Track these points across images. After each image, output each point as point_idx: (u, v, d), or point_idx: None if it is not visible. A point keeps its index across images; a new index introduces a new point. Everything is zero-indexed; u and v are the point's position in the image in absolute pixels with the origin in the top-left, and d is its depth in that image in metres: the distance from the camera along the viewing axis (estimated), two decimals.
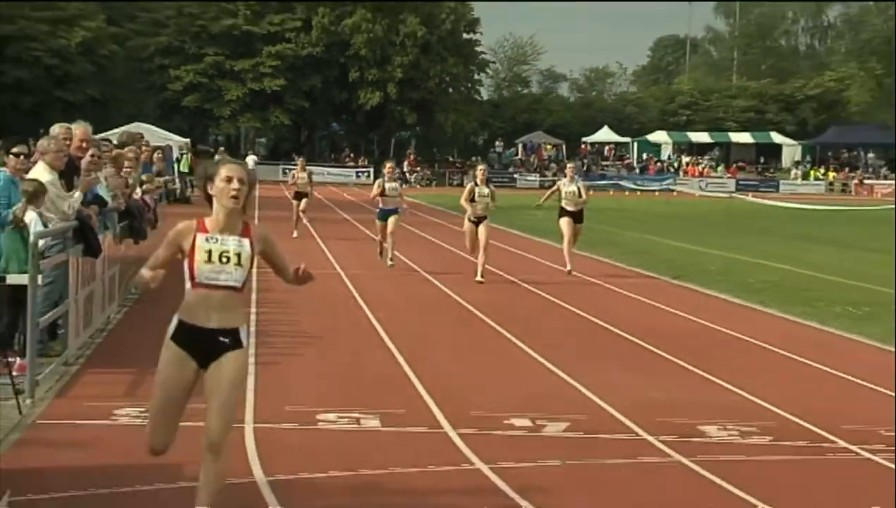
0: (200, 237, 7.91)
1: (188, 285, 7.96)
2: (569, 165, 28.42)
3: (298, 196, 36.55)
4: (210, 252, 7.85)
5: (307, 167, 38.63)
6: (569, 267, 25.98)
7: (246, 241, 8.01)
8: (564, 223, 26.24)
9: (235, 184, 7.85)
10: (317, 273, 24.32)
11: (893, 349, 14.93)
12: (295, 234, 34.68)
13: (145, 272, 7.99)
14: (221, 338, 7.95)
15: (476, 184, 24.81)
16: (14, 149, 14.79)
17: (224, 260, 7.87)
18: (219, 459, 8.07)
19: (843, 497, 9.80)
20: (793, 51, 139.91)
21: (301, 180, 37.18)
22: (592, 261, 30.29)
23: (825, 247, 38.31)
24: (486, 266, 24.51)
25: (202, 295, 7.90)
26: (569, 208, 26.28)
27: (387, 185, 27.55)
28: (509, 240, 37.44)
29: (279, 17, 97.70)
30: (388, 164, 29.14)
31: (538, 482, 9.78)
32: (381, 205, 27.37)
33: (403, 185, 33.25)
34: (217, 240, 7.90)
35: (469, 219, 24.74)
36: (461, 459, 10.73)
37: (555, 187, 27.50)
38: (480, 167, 27.18)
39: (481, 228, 24.35)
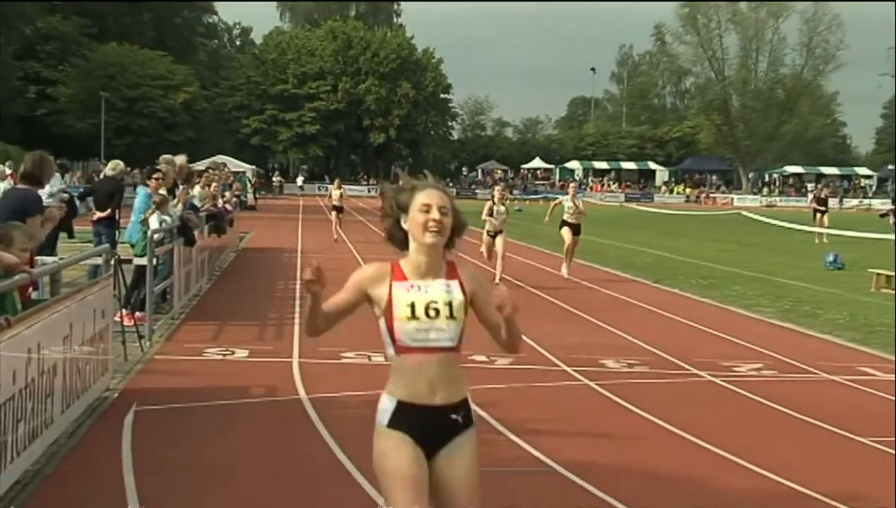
0: (398, 286, 4.44)
1: (390, 350, 4.54)
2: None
3: (336, 209, 33.18)
4: (413, 305, 4.39)
5: (342, 186, 35.64)
6: (565, 273, 22.26)
7: (455, 284, 4.48)
8: (566, 232, 22.52)
9: (435, 214, 4.33)
10: (338, 257, 23.99)
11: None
12: (336, 236, 31.99)
13: (309, 321, 4.74)
14: (453, 416, 4.50)
15: (494, 203, 21.24)
16: (154, 175, 15.01)
17: (432, 313, 4.39)
18: None
19: (693, 406, 9.85)
20: (662, 107, 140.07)
21: (338, 196, 33.88)
22: (529, 250, 30.25)
23: (683, 238, 38.38)
24: (502, 271, 20.97)
25: (415, 364, 4.43)
26: (570, 221, 22.58)
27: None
28: (469, 233, 37.39)
29: (316, 83, 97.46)
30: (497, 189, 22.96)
31: (492, 399, 9.77)
32: None
33: None
34: (420, 287, 4.41)
35: (488, 233, 21.48)
36: None
37: (557, 201, 23.86)
38: (498, 187, 23.34)
39: (498, 240, 21.14)
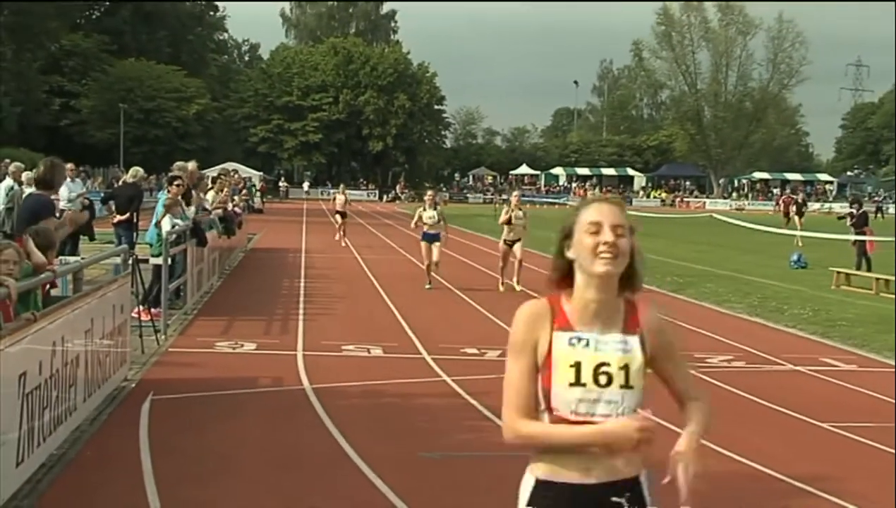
0: (560, 337, 3.01)
1: (545, 418, 3.03)
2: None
3: (340, 214, 31.72)
4: (578, 366, 2.97)
5: (346, 192, 33.66)
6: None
7: (635, 340, 3.05)
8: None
9: (608, 236, 2.94)
10: (339, 257, 23.68)
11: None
12: (338, 238, 30.80)
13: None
14: (614, 500, 3.04)
15: (511, 209, 18.89)
16: (176, 182, 15.00)
17: (602, 379, 2.99)
18: None
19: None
20: (640, 117, 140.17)
21: (342, 202, 32.15)
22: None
23: (660, 239, 38.36)
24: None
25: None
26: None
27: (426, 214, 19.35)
28: (465, 236, 37.38)
29: (318, 95, 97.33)
30: (430, 193, 20.47)
31: (482, 388, 9.77)
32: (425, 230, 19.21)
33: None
34: (588, 342, 2.99)
35: (505, 242, 18.97)
36: (433, 374, 10.74)
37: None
38: (515, 193, 20.78)
39: (517, 247, 18.76)
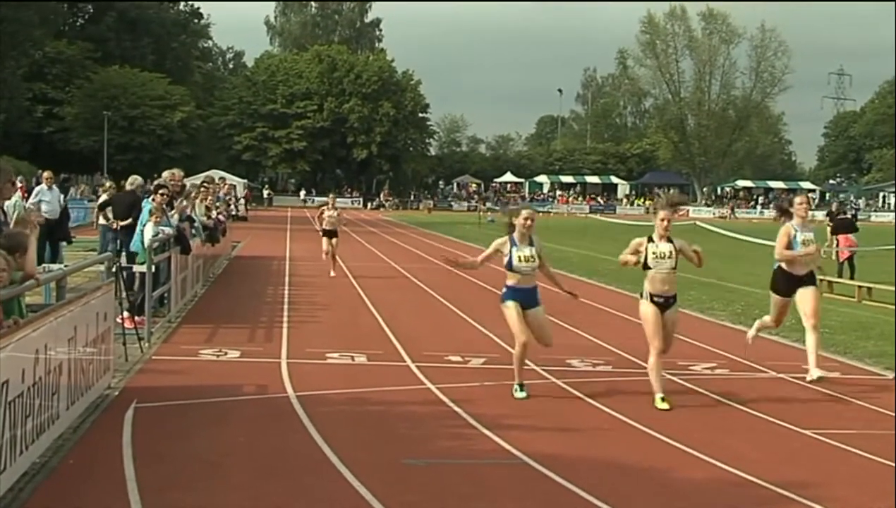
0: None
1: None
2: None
3: (328, 234, 22.77)
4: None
5: (336, 206, 23.99)
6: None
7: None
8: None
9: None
10: (325, 265, 23.72)
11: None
12: (326, 258, 22.88)
13: None
14: None
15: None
16: (160, 191, 15.03)
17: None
18: None
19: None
20: (624, 125, 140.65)
21: (331, 218, 22.89)
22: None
23: None
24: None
25: None
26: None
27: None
28: (446, 242, 37.41)
29: (303, 103, 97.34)
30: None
31: (466, 396, 9.80)
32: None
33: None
34: None
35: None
36: (417, 381, 10.74)
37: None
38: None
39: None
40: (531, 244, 10.14)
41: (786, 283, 11.33)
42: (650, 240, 10.15)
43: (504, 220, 10.44)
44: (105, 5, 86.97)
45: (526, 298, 10.13)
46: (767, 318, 11.78)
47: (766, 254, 33.44)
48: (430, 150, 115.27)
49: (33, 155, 68.44)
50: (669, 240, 10.17)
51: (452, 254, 12.46)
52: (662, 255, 10.06)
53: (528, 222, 10.10)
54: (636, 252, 10.17)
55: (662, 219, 10.13)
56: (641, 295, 10.24)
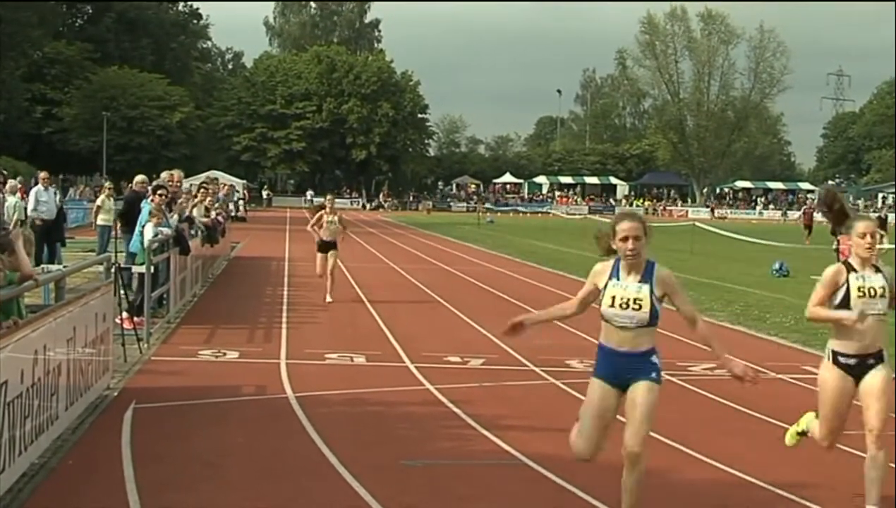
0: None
1: None
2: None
3: (325, 247, 17.96)
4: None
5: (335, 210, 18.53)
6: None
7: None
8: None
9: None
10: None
11: None
12: (329, 299, 17.58)
13: None
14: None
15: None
16: (159, 191, 14.99)
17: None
18: None
19: None
20: (623, 126, 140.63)
21: (332, 226, 18.06)
22: (499, 258, 30.29)
23: None
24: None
25: None
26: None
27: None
28: (445, 243, 37.42)
29: (302, 104, 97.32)
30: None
31: (465, 396, 9.80)
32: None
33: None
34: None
35: None
36: (416, 382, 10.75)
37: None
38: None
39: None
40: (643, 279, 6.32)
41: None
42: (850, 269, 6.51)
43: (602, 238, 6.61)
44: (104, 6, 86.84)
45: (623, 368, 6.37)
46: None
47: (767, 254, 33.47)
48: (430, 151, 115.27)
49: (32, 155, 68.39)
50: (878, 270, 6.46)
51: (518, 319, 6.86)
52: (873, 292, 6.38)
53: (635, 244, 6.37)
54: (834, 290, 6.50)
55: (864, 235, 6.42)
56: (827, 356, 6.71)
